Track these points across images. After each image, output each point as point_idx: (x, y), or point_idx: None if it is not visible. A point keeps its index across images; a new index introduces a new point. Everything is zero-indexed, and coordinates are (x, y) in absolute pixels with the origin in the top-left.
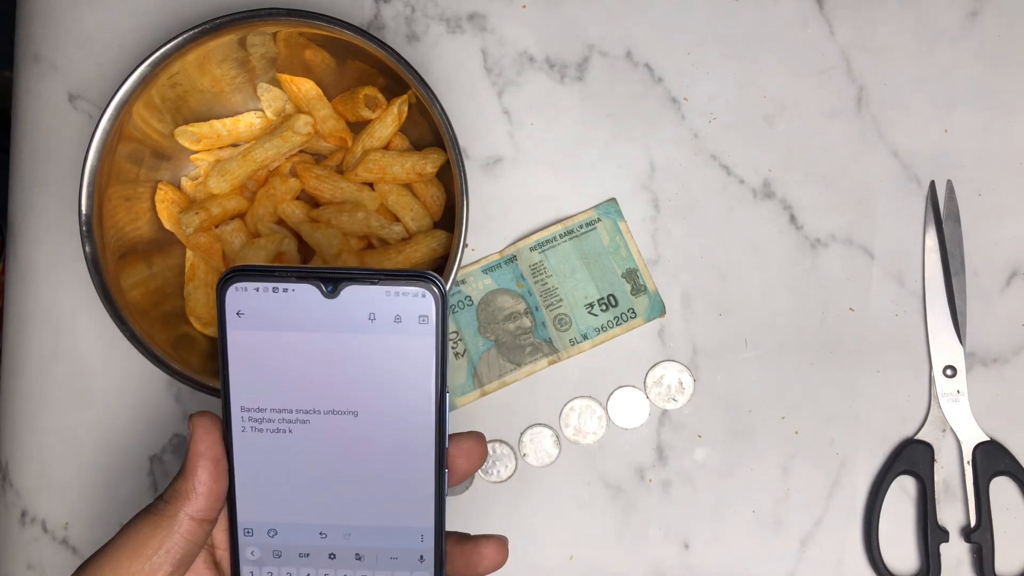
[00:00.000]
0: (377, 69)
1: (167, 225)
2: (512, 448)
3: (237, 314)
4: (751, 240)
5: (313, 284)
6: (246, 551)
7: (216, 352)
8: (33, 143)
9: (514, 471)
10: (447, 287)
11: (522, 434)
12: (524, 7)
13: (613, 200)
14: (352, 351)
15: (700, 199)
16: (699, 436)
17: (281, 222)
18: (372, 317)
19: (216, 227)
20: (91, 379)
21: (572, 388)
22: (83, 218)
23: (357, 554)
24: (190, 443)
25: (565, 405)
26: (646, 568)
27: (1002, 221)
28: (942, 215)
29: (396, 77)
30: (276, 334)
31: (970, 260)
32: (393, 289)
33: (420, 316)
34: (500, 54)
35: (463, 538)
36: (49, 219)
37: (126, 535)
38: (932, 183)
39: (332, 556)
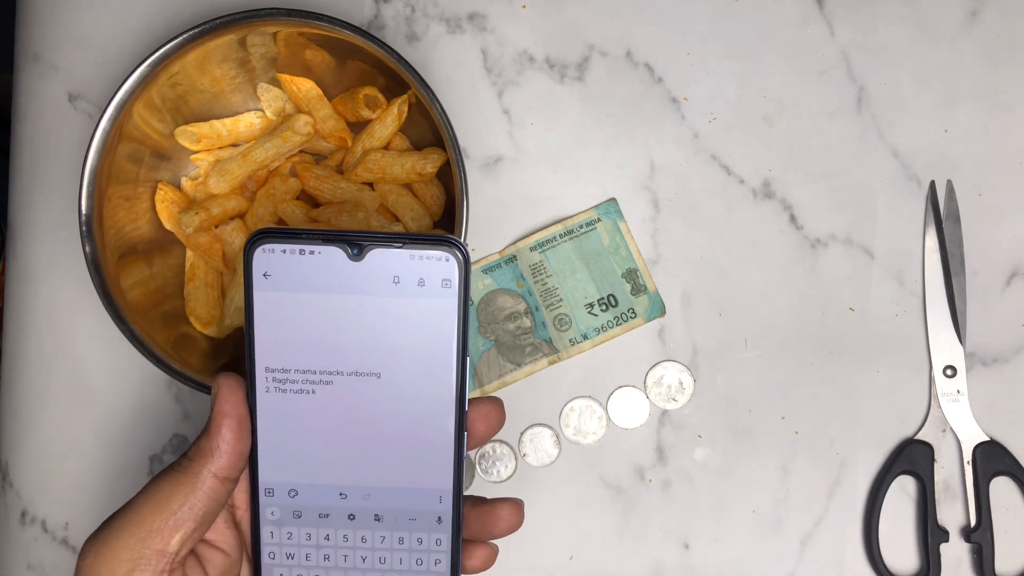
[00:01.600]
0: (377, 69)
1: (167, 225)
2: (512, 448)
3: (264, 275)
4: (751, 240)
5: (339, 247)
6: (266, 511)
7: (215, 352)
8: (33, 143)
9: (514, 471)
10: (469, 252)
11: (522, 434)
12: (524, 7)
13: (613, 200)
14: (376, 314)
15: (700, 199)
16: (699, 436)
17: (281, 222)
18: (396, 280)
19: (216, 227)
20: (91, 379)
21: (572, 388)
22: (83, 218)
23: (376, 515)
24: (214, 402)
25: (565, 405)
26: (646, 568)
27: (1002, 221)
28: (942, 215)
29: (396, 77)
30: (301, 295)
31: (970, 260)
32: (417, 253)
33: (443, 280)
34: (500, 54)
35: (479, 501)
36: (49, 219)
37: (149, 492)
38: (932, 183)
39: (351, 517)
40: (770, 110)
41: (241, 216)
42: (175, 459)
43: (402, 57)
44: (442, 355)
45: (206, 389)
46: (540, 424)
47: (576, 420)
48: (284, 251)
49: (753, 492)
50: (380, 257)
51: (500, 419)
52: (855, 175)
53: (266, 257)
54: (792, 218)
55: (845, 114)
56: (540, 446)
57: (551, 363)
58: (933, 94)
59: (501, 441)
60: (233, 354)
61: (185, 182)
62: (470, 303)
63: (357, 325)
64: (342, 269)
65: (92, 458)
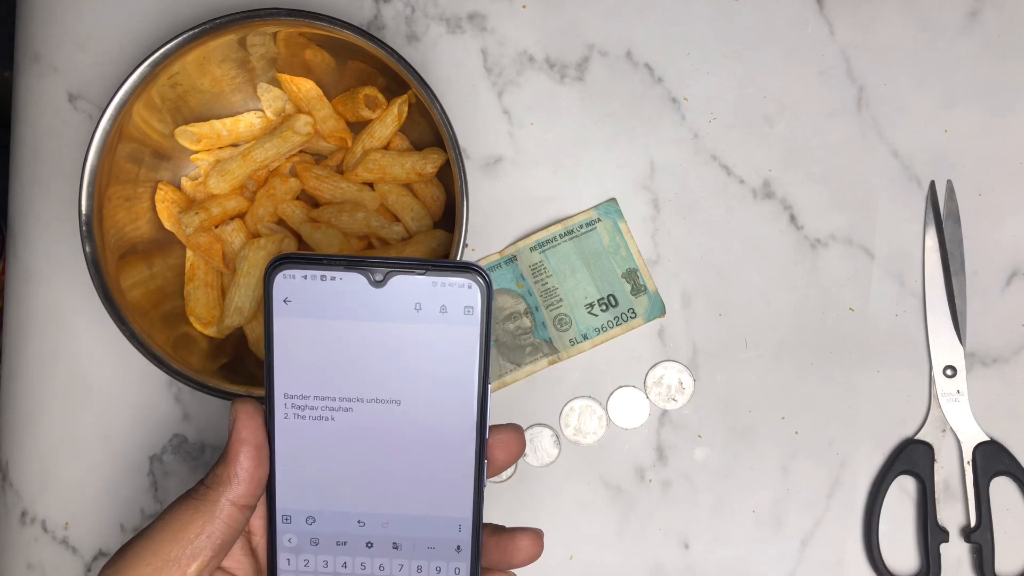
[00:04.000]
0: (377, 69)
1: (167, 225)
2: None
3: (284, 301)
4: (751, 240)
5: (361, 273)
6: (283, 538)
7: (215, 352)
8: (33, 143)
9: (514, 471)
10: (491, 280)
11: None
12: (524, 7)
13: (613, 200)
14: (397, 341)
15: (700, 199)
16: (699, 436)
17: (281, 222)
18: (418, 307)
19: (216, 227)
20: (91, 379)
21: (572, 388)
22: (83, 218)
23: (394, 543)
24: (232, 429)
25: (565, 405)
26: (646, 568)
27: (1002, 221)
28: (942, 215)
29: (396, 77)
30: (322, 322)
31: (970, 260)
32: (440, 280)
33: (465, 307)
34: (500, 54)
35: (498, 530)
36: (49, 219)
37: (166, 520)
38: (932, 183)
39: (369, 544)
40: (770, 110)
41: (241, 216)
42: (175, 459)
43: (402, 57)
44: (463, 383)
45: (206, 389)
46: (540, 424)
47: (576, 420)
48: (305, 276)
49: (753, 492)
50: (402, 284)
51: (520, 447)
52: (855, 175)
53: (287, 283)
54: (792, 218)
55: (845, 114)
56: (540, 446)
57: (551, 363)
58: (933, 94)
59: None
60: (233, 354)
61: (185, 182)
62: (492, 329)
63: (378, 352)
64: (363, 295)
65: (92, 458)
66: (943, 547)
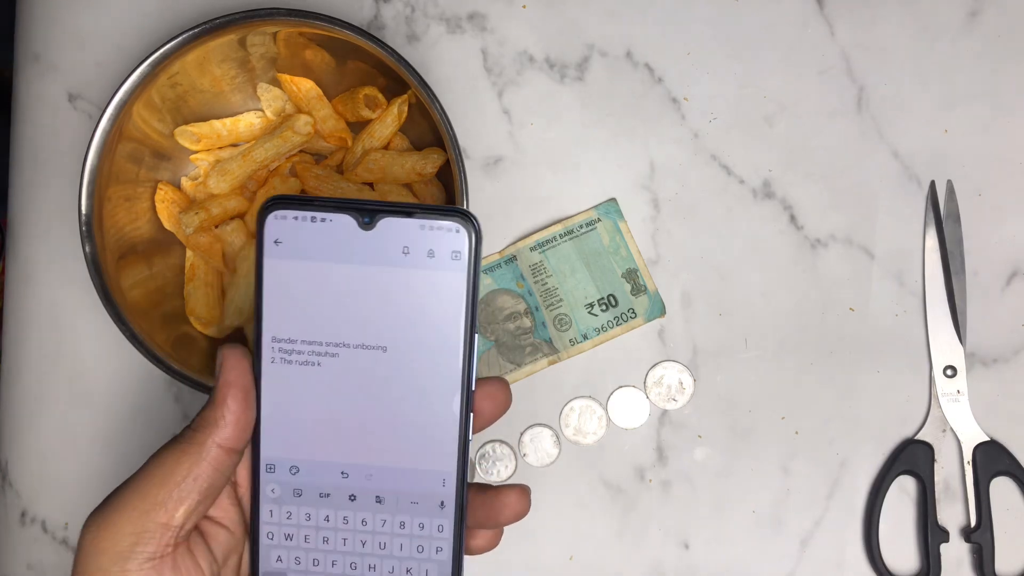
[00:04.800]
0: (377, 69)
1: (167, 225)
2: (512, 448)
3: (275, 242)
4: (751, 240)
5: (350, 215)
6: (267, 488)
7: (215, 352)
8: (33, 143)
9: (514, 471)
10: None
11: (522, 434)
12: (524, 7)
13: (613, 200)
14: (385, 285)
15: (700, 199)
16: (699, 436)
17: None
18: (406, 251)
19: (216, 227)
20: (91, 379)
21: (572, 388)
22: (83, 218)
23: (378, 496)
24: (219, 373)
25: (565, 405)
26: (646, 568)
27: (1002, 221)
28: (942, 215)
29: (396, 77)
30: (311, 264)
31: (970, 260)
32: (428, 223)
33: (453, 252)
34: (500, 54)
35: (484, 488)
36: (49, 219)
37: (152, 464)
38: (932, 183)
39: (352, 498)
40: (770, 110)
41: (241, 216)
42: None
43: (402, 57)
44: (450, 330)
45: (206, 389)
46: (540, 424)
47: (576, 420)
48: (296, 218)
49: (753, 492)
50: (391, 226)
51: (507, 401)
52: (855, 175)
53: (278, 223)
54: (792, 218)
55: (845, 114)
56: (540, 446)
57: (551, 363)
58: (933, 94)
59: (501, 441)
60: None
61: (185, 182)
62: (480, 276)
63: (365, 296)
64: (352, 238)
65: (92, 458)
66: (943, 547)
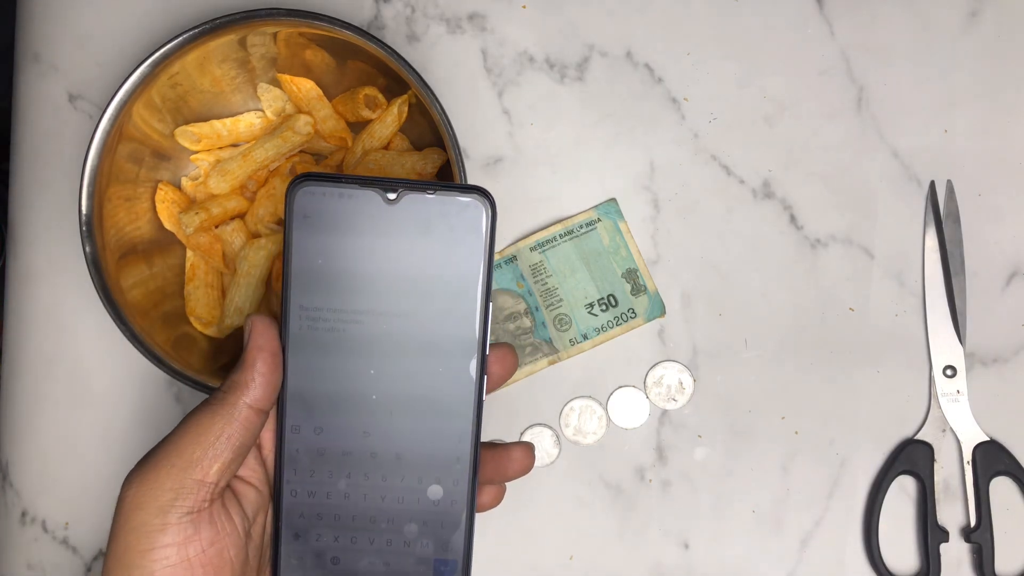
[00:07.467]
0: (377, 69)
1: (167, 225)
2: None
3: (304, 216)
4: (751, 240)
5: (375, 191)
6: (291, 448)
7: (215, 352)
8: (33, 143)
9: None
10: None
11: (522, 434)
12: (524, 7)
13: (613, 200)
14: (406, 256)
15: (700, 199)
16: (699, 436)
17: (281, 223)
18: (427, 224)
19: (216, 227)
20: (91, 379)
21: (572, 388)
22: (83, 218)
23: (397, 454)
24: (249, 338)
25: (565, 405)
26: (646, 568)
27: (1002, 221)
28: (942, 215)
29: (396, 77)
30: (337, 237)
31: (970, 260)
32: (448, 199)
33: (471, 226)
34: (500, 54)
35: (493, 445)
36: (49, 219)
37: (187, 424)
38: (932, 183)
39: (373, 455)
40: (770, 110)
41: (241, 216)
42: None
43: (402, 57)
44: (467, 298)
45: (206, 389)
46: (540, 424)
47: (576, 420)
48: (324, 193)
49: (753, 492)
50: (413, 202)
51: (514, 363)
52: (855, 175)
53: (306, 199)
54: (792, 218)
55: (845, 114)
56: (540, 446)
57: (551, 363)
58: (933, 94)
59: (501, 441)
60: (233, 354)
61: (185, 182)
62: (495, 248)
63: (388, 267)
64: (377, 212)
65: (92, 458)
66: (943, 547)
